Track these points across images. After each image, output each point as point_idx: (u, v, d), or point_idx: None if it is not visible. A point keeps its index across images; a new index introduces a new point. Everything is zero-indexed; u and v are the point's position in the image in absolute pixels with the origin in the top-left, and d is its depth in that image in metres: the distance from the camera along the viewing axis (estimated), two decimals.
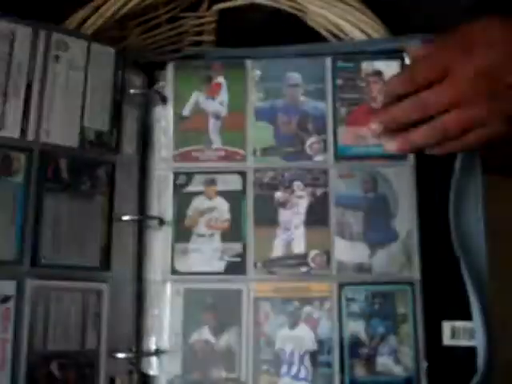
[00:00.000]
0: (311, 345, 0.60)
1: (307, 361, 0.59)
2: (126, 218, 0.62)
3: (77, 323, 0.58)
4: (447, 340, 0.60)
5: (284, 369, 0.60)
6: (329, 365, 0.59)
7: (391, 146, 0.60)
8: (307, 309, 0.60)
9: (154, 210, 0.64)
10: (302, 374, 0.59)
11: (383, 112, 0.60)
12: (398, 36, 0.64)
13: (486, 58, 0.55)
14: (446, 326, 0.60)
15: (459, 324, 0.60)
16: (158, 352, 0.61)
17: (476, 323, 0.59)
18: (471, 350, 0.59)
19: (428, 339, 0.59)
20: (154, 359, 0.61)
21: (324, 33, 0.67)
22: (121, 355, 0.59)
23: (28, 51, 0.60)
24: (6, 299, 0.55)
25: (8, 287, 0.55)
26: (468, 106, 0.56)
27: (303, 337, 0.60)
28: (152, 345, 0.61)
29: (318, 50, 0.65)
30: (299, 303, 0.61)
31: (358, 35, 0.64)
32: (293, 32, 0.66)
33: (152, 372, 0.61)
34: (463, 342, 0.60)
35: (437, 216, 0.61)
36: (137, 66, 0.65)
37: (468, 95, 0.56)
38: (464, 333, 0.60)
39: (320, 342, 0.60)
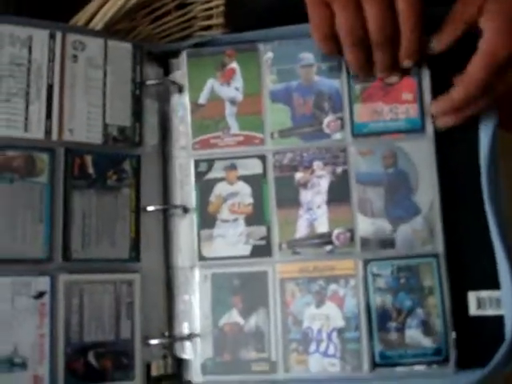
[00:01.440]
0: (338, 322, 0.61)
1: (335, 338, 0.61)
2: (151, 208, 0.64)
3: (111, 314, 0.60)
4: (473, 310, 0.60)
5: (313, 347, 0.61)
6: (357, 340, 0.60)
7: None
8: (333, 287, 0.61)
9: (178, 198, 0.65)
10: (331, 350, 0.61)
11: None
12: None
13: None
14: (472, 296, 0.61)
15: (485, 293, 0.60)
16: (190, 336, 0.63)
17: (505, 290, 0.59)
18: (498, 319, 0.59)
19: (454, 310, 0.60)
20: (186, 343, 0.63)
21: None
22: (154, 341, 0.62)
23: (46, 54, 0.61)
24: (40, 295, 0.57)
25: (42, 283, 0.58)
26: None
27: (330, 314, 0.61)
28: (184, 329, 0.63)
29: None
30: (324, 282, 0.62)
31: None
32: (301, 11, 0.65)
33: (186, 356, 0.63)
34: (490, 312, 0.60)
35: (457, 187, 0.61)
36: (151, 56, 0.66)
37: None
38: (490, 302, 0.60)
39: (347, 319, 0.61)
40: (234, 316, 0.62)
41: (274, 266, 0.63)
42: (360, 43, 0.58)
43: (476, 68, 0.58)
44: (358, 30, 0.57)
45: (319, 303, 0.61)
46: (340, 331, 0.61)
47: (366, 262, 0.61)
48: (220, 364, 0.62)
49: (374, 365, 0.60)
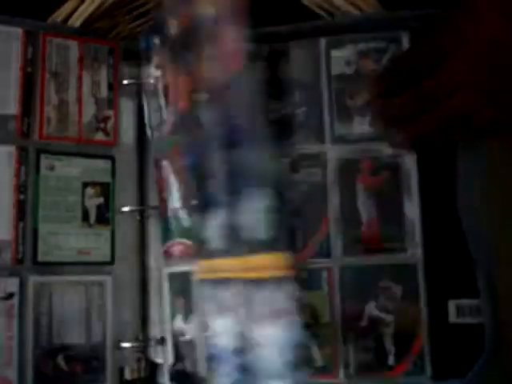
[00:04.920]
0: None
1: None
2: (125, 209, 0.63)
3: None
4: (453, 318, 0.59)
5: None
6: None
7: (396, 141, 0.59)
8: None
9: (155, 199, 0.64)
10: None
11: (382, 109, 0.59)
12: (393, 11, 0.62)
13: (483, 43, 0.54)
14: (452, 304, 0.60)
15: (465, 302, 0.59)
16: (162, 340, 0.62)
17: (482, 300, 0.58)
18: (478, 328, 0.58)
19: (434, 318, 0.59)
20: (159, 347, 0.62)
21: (316, 9, 0.65)
22: (128, 345, 0.61)
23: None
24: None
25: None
26: (468, 89, 0.55)
27: None
28: (157, 333, 0.62)
29: (311, 29, 0.63)
30: None
31: (351, 10, 0.63)
32: (285, 9, 0.64)
33: (159, 360, 0.62)
34: (469, 320, 0.59)
35: (440, 195, 0.60)
36: (129, 54, 0.65)
37: (469, 79, 0.54)
38: (470, 310, 0.59)
39: None
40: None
41: None
42: None
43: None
44: None
45: None
46: None
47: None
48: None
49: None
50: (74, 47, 0.62)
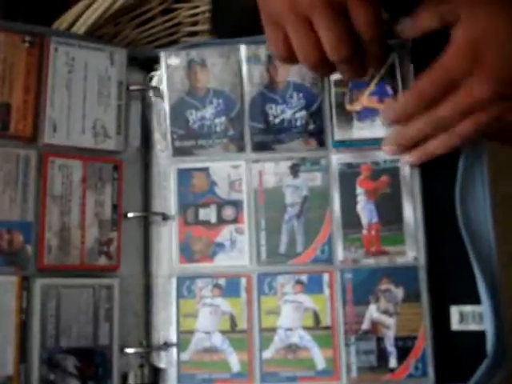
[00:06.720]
0: None
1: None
2: (131, 215, 0.63)
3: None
4: (456, 325, 0.59)
5: None
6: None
7: (410, 159, 0.60)
8: None
9: (157, 205, 0.64)
10: None
11: (397, 135, 0.60)
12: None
13: (496, 63, 0.54)
14: (454, 311, 0.59)
15: (468, 308, 0.59)
16: (166, 345, 0.62)
17: (485, 307, 0.58)
18: (481, 335, 0.58)
19: (436, 324, 0.59)
20: (163, 353, 0.62)
21: None
22: (131, 350, 0.61)
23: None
24: None
25: None
26: (482, 110, 0.56)
27: None
28: (161, 339, 0.62)
29: None
30: None
31: None
32: None
33: (162, 365, 0.62)
34: (472, 327, 0.59)
35: (443, 200, 0.60)
36: (134, 60, 0.65)
37: (481, 102, 0.55)
38: (473, 317, 0.59)
39: None
40: None
41: None
42: (318, 64, 0.55)
43: (423, 78, 0.57)
44: (314, 52, 0.54)
45: None
46: None
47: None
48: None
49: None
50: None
